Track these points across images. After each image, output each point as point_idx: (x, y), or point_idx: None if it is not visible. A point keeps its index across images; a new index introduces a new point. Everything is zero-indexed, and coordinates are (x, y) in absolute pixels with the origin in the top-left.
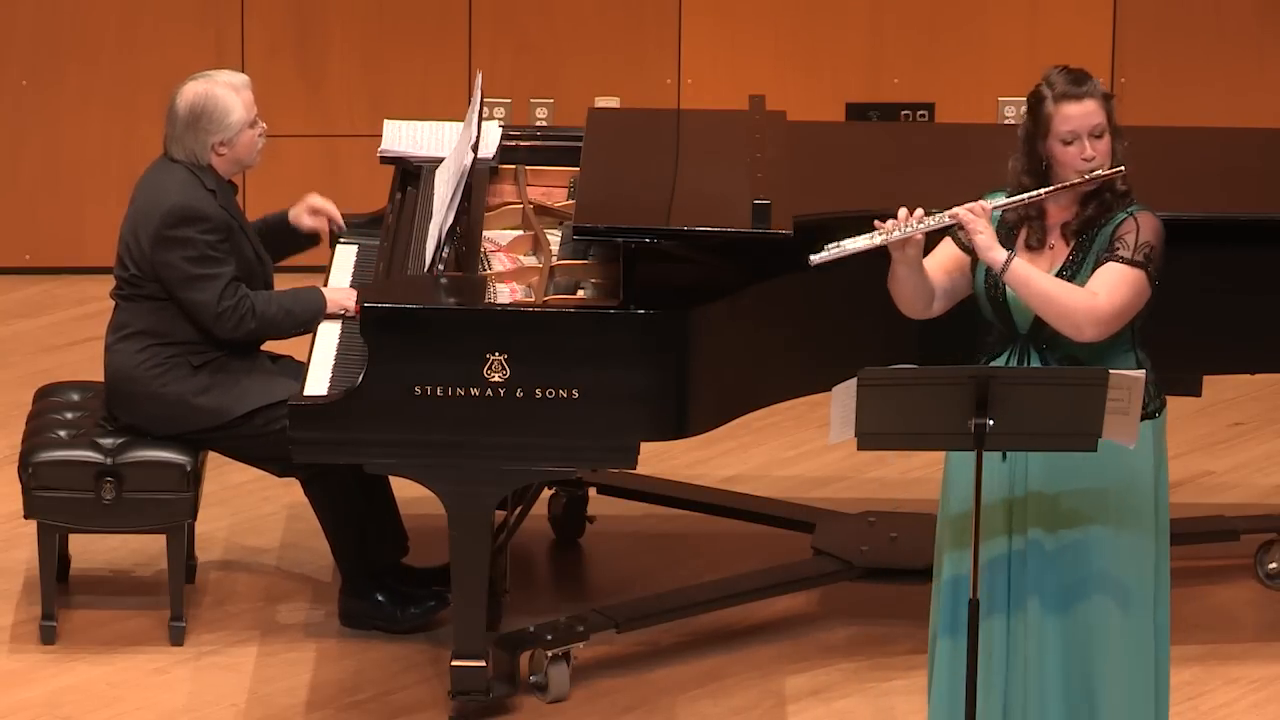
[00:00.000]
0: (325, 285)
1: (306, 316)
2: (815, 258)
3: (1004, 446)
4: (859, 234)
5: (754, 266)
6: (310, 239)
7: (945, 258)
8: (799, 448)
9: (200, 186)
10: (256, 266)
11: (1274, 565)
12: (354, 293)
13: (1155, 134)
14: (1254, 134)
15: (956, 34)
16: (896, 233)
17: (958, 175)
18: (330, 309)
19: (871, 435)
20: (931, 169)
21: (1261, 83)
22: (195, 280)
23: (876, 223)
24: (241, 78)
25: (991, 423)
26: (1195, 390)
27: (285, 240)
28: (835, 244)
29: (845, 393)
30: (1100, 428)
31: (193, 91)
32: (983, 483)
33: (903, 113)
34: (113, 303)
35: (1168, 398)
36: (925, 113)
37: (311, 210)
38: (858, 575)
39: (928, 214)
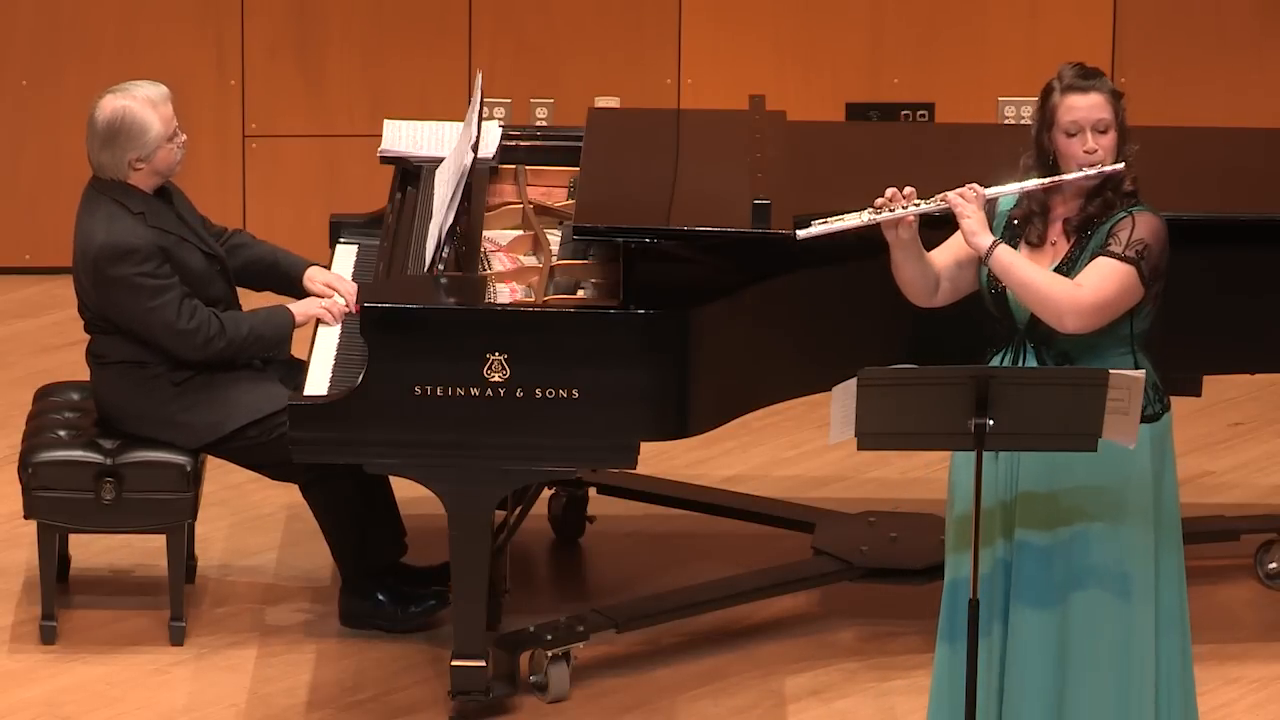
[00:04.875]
0: None
1: (275, 339)
2: (803, 233)
3: (1004, 447)
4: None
5: (754, 266)
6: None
7: (957, 246)
8: (799, 448)
9: (125, 214)
10: (210, 268)
11: (1274, 565)
12: (316, 302)
13: (1155, 134)
14: (1254, 134)
15: (956, 34)
16: (886, 211)
17: (958, 175)
18: (300, 321)
19: (871, 435)
20: (931, 169)
21: (1261, 83)
22: (145, 314)
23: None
24: (161, 91)
25: (991, 423)
26: (1195, 390)
27: (280, 282)
28: (824, 220)
29: (845, 393)
30: (1100, 428)
31: (110, 107)
32: (983, 486)
33: (903, 113)
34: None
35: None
36: (925, 113)
37: (325, 283)
38: (858, 575)
39: (921, 197)
